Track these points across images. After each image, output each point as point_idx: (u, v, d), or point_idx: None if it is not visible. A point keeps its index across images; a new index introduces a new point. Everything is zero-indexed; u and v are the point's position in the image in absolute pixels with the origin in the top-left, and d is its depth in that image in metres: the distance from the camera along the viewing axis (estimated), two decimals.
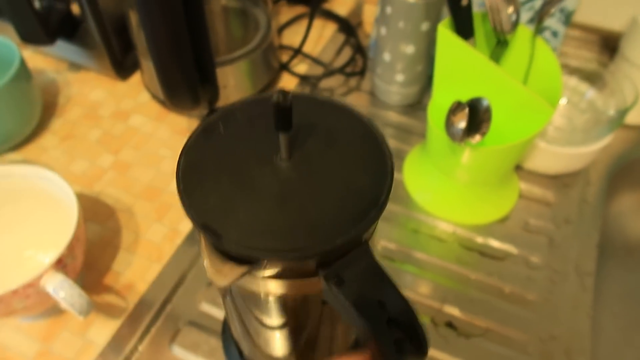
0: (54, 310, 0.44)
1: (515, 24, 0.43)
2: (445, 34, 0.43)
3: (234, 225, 0.22)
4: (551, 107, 0.42)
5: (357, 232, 0.22)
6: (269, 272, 0.24)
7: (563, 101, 0.55)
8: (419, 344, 0.22)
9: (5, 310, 0.37)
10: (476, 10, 0.44)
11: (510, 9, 0.42)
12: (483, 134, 0.40)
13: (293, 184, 0.24)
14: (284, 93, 0.21)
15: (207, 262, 0.22)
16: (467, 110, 0.39)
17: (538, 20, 0.43)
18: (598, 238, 0.51)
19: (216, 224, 0.22)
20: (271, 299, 0.30)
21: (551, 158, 0.53)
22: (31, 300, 0.37)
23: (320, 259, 0.23)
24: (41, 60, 0.66)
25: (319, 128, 0.26)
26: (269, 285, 0.26)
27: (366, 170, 0.25)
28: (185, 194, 0.23)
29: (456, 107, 0.40)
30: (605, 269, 0.60)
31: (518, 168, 0.56)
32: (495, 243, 0.51)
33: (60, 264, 0.37)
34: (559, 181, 0.55)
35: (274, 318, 0.32)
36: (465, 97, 0.42)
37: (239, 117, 0.27)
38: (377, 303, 0.23)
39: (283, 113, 0.22)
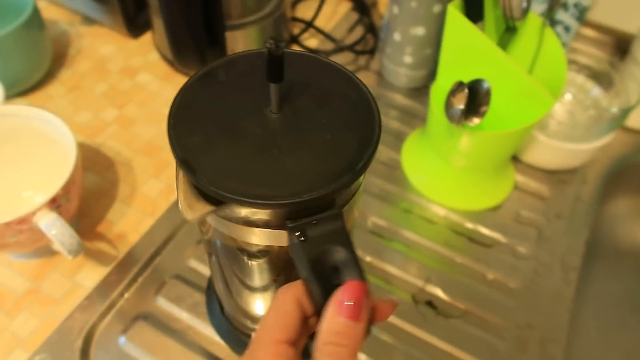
0: (46, 250, 0.45)
1: (525, 11, 0.43)
2: (455, 15, 0.43)
3: (210, 164, 0.23)
4: (552, 98, 0.42)
5: (326, 192, 0.22)
6: (237, 215, 0.25)
7: (568, 96, 0.55)
8: None
9: None
10: None
11: None
12: (481, 117, 0.40)
13: (277, 136, 0.24)
14: (277, 42, 0.21)
15: (181, 195, 0.23)
16: (466, 91, 0.39)
17: (549, 8, 0.43)
18: (587, 235, 0.52)
19: (194, 161, 0.23)
20: (254, 263, 0.31)
21: (550, 152, 0.53)
22: (24, 236, 0.38)
23: (288, 211, 0.23)
24: (56, 11, 0.67)
25: (314, 87, 0.27)
26: (239, 230, 0.26)
27: (353, 135, 0.25)
28: (173, 129, 0.24)
29: (456, 88, 0.40)
30: (593, 271, 0.61)
31: (516, 160, 0.56)
32: (484, 230, 0.51)
33: (55, 204, 0.38)
34: (555, 177, 0.55)
35: (255, 280, 0.32)
36: (468, 81, 0.42)
37: (242, 67, 0.27)
38: (332, 268, 0.23)
39: (274, 63, 0.22)
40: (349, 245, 0.23)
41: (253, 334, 0.24)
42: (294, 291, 0.24)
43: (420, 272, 0.48)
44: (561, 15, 0.55)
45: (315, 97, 0.26)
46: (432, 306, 0.46)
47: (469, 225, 0.51)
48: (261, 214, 0.24)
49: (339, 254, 0.23)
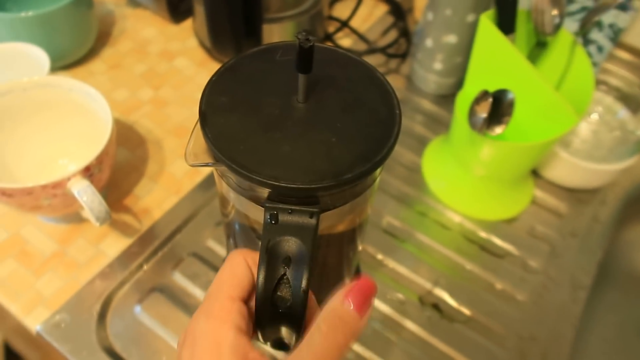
0: (75, 217, 0.47)
1: (557, 27, 0.43)
2: (487, 25, 0.44)
3: (220, 124, 0.25)
4: (577, 115, 0.42)
5: (300, 187, 0.23)
6: (226, 176, 0.27)
7: (594, 116, 0.55)
8: (295, 322, 0.23)
9: (33, 204, 0.40)
10: (522, 7, 0.45)
11: (555, 12, 0.42)
12: (503, 127, 0.41)
13: (293, 123, 0.25)
14: (307, 36, 0.23)
15: (192, 141, 0.26)
16: (490, 100, 0.40)
17: (580, 27, 0.43)
18: (601, 257, 0.52)
19: (210, 118, 0.25)
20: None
21: (571, 170, 0.53)
22: (57, 200, 0.40)
23: (270, 193, 0.24)
24: None
25: (347, 88, 0.27)
26: (230, 193, 0.28)
27: (358, 148, 0.25)
28: (210, 85, 0.27)
29: (481, 97, 0.41)
30: (604, 294, 0.60)
31: (536, 175, 0.56)
32: (497, 241, 0.52)
33: (88, 172, 0.40)
34: (574, 196, 0.55)
35: None
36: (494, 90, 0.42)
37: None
38: (286, 258, 0.24)
39: (303, 55, 0.24)
40: (310, 245, 0.23)
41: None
42: (246, 255, 0.24)
43: (429, 274, 0.49)
44: (595, 34, 0.55)
45: (343, 99, 0.27)
46: (437, 309, 0.47)
47: (483, 234, 0.52)
48: (243, 185, 0.26)
49: (297, 249, 0.24)
